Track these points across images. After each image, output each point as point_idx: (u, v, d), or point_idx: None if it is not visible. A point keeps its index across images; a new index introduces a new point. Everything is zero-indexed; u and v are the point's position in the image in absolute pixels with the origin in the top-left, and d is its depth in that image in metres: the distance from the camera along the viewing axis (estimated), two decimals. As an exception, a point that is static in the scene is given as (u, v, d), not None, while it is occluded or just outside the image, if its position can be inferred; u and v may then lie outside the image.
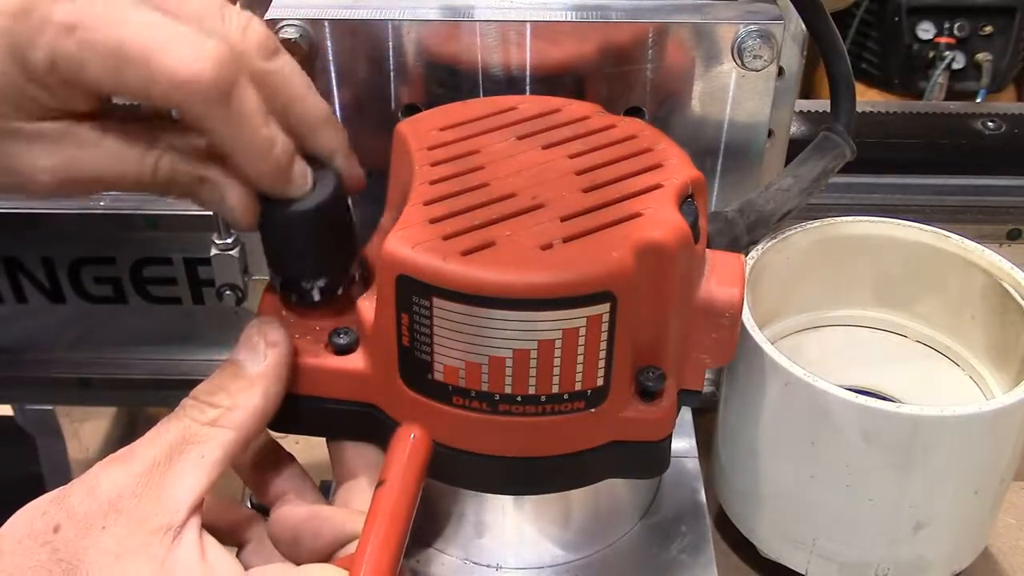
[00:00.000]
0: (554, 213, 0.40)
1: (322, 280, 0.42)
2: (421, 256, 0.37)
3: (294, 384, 0.42)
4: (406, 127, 0.45)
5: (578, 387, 0.39)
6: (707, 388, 0.55)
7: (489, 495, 0.47)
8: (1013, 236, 0.73)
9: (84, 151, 0.39)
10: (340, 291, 0.43)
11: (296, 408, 0.43)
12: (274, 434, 0.45)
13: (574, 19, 0.52)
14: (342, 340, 0.42)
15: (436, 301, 0.37)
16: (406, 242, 0.38)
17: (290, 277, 0.43)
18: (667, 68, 0.53)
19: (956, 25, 1.41)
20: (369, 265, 0.44)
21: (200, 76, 0.36)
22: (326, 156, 0.43)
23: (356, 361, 0.42)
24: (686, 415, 0.56)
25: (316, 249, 0.42)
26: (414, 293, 0.38)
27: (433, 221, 0.39)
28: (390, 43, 0.52)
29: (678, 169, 0.43)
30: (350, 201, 0.43)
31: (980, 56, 1.41)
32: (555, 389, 0.39)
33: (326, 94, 0.51)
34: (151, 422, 0.40)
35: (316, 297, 0.43)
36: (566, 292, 0.37)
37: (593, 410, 0.40)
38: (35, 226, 0.70)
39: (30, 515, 0.37)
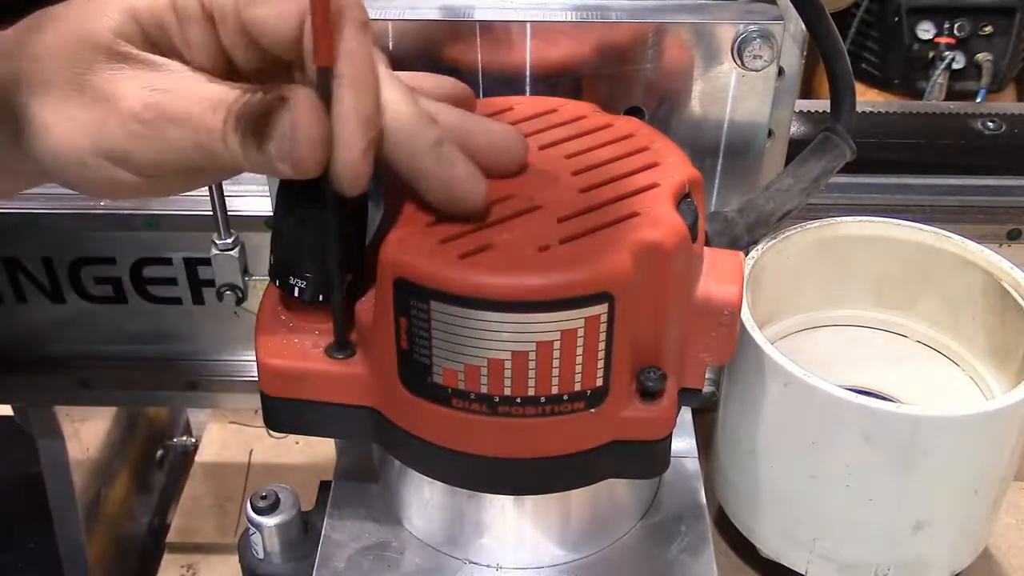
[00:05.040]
0: (552, 214, 0.39)
1: (348, 275, 0.41)
2: (419, 260, 0.37)
3: (295, 389, 0.42)
4: None
5: (577, 387, 0.39)
6: (707, 388, 0.55)
7: (489, 495, 0.46)
8: (1013, 236, 0.73)
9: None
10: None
11: (296, 411, 0.43)
12: (275, 434, 0.45)
13: (574, 19, 0.52)
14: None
15: (434, 304, 0.37)
16: (404, 246, 0.38)
17: (319, 271, 0.41)
18: (667, 68, 0.53)
19: (956, 25, 1.41)
20: (367, 269, 0.44)
21: None
22: None
23: (355, 365, 0.42)
24: (686, 415, 0.55)
25: (349, 240, 0.40)
26: (412, 297, 0.38)
27: (431, 225, 0.39)
28: (390, 43, 0.52)
29: (675, 168, 0.43)
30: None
31: (980, 56, 1.41)
32: (554, 390, 0.39)
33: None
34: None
35: (318, 298, 0.42)
36: (563, 293, 0.37)
37: (593, 410, 0.40)
38: (35, 226, 0.70)
39: None
